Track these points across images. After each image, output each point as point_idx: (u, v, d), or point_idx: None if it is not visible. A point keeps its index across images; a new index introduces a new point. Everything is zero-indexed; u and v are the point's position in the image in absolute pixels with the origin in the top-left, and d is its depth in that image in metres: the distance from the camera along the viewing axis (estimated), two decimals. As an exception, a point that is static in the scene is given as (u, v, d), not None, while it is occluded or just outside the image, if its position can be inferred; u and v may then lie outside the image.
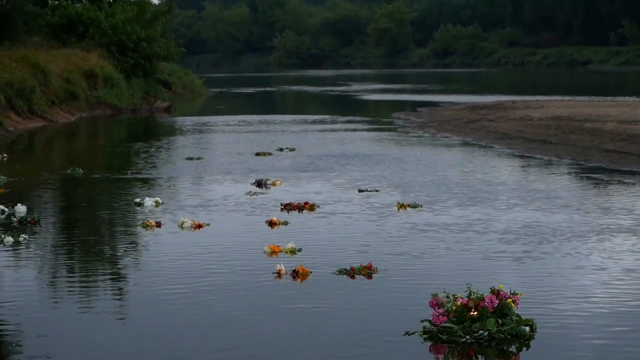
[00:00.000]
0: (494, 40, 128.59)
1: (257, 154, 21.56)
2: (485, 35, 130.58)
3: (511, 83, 72.41)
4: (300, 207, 13.69)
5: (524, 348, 7.22)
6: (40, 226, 12.44)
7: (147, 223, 12.38)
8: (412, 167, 18.95)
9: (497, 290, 7.51)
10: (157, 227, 12.28)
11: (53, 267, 10.20)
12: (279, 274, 9.51)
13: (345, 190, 15.70)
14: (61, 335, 7.65)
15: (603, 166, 18.75)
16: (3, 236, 11.35)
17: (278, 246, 10.69)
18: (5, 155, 21.21)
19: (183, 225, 12.30)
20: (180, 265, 10.06)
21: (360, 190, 15.48)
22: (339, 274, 9.53)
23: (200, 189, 16.23)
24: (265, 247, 10.69)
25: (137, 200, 14.31)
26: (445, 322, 7.37)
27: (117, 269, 10.11)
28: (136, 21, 43.72)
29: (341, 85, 69.62)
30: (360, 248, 10.88)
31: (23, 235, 11.55)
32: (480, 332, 7.27)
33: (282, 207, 13.78)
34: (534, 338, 7.36)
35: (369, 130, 29.37)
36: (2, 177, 17.11)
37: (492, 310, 7.40)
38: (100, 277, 9.64)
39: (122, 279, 9.58)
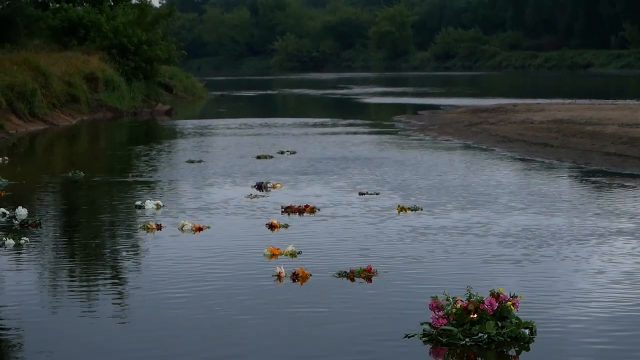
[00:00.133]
0: (495, 43, 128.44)
1: (258, 157, 21.57)
2: (486, 38, 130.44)
3: (512, 86, 72.36)
4: (300, 210, 13.71)
5: (524, 351, 7.24)
6: (42, 229, 12.47)
7: (148, 226, 12.41)
8: (413, 170, 18.95)
9: (497, 293, 7.53)
10: (157, 229, 12.31)
11: (54, 269, 10.21)
12: (279, 277, 9.52)
13: (346, 193, 15.71)
14: (62, 337, 7.67)
15: (604, 169, 18.75)
16: (4, 239, 11.36)
17: (278, 249, 10.70)
18: (6, 158, 21.23)
19: (184, 228, 12.32)
20: (180, 268, 10.08)
21: (361, 193, 15.49)
22: (339, 277, 9.55)
23: (201, 191, 16.24)
24: (266, 250, 10.71)
25: (138, 203, 14.34)
26: (445, 325, 7.38)
27: (118, 271, 10.13)
28: (137, 24, 43.73)
29: (342, 88, 69.57)
30: (360, 251, 10.89)
31: (24, 238, 11.58)
32: (480, 334, 7.28)
33: (283, 210, 13.80)
34: (533, 341, 7.38)
35: (370, 133, 29.36)
36: (3, 180, 17.12)
37: (491, 313, 7.41)
38: (101, 280, 9.65)
39: (122, 282, 9.59)
